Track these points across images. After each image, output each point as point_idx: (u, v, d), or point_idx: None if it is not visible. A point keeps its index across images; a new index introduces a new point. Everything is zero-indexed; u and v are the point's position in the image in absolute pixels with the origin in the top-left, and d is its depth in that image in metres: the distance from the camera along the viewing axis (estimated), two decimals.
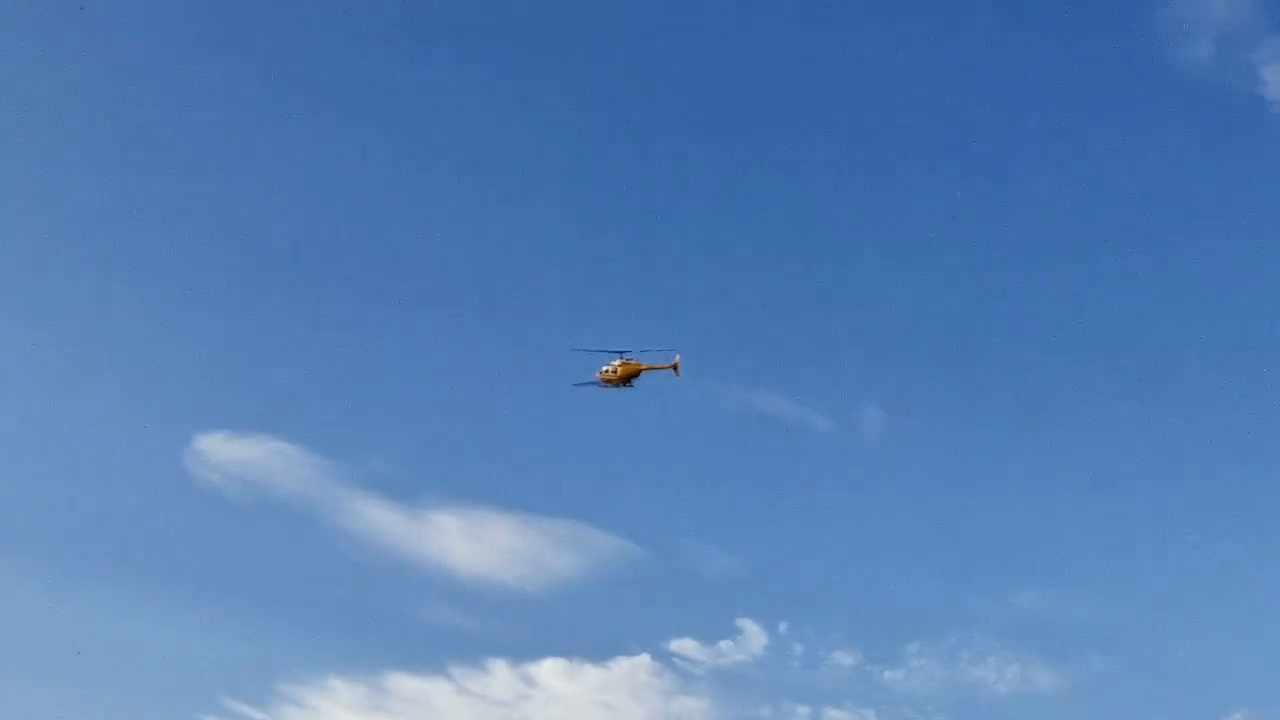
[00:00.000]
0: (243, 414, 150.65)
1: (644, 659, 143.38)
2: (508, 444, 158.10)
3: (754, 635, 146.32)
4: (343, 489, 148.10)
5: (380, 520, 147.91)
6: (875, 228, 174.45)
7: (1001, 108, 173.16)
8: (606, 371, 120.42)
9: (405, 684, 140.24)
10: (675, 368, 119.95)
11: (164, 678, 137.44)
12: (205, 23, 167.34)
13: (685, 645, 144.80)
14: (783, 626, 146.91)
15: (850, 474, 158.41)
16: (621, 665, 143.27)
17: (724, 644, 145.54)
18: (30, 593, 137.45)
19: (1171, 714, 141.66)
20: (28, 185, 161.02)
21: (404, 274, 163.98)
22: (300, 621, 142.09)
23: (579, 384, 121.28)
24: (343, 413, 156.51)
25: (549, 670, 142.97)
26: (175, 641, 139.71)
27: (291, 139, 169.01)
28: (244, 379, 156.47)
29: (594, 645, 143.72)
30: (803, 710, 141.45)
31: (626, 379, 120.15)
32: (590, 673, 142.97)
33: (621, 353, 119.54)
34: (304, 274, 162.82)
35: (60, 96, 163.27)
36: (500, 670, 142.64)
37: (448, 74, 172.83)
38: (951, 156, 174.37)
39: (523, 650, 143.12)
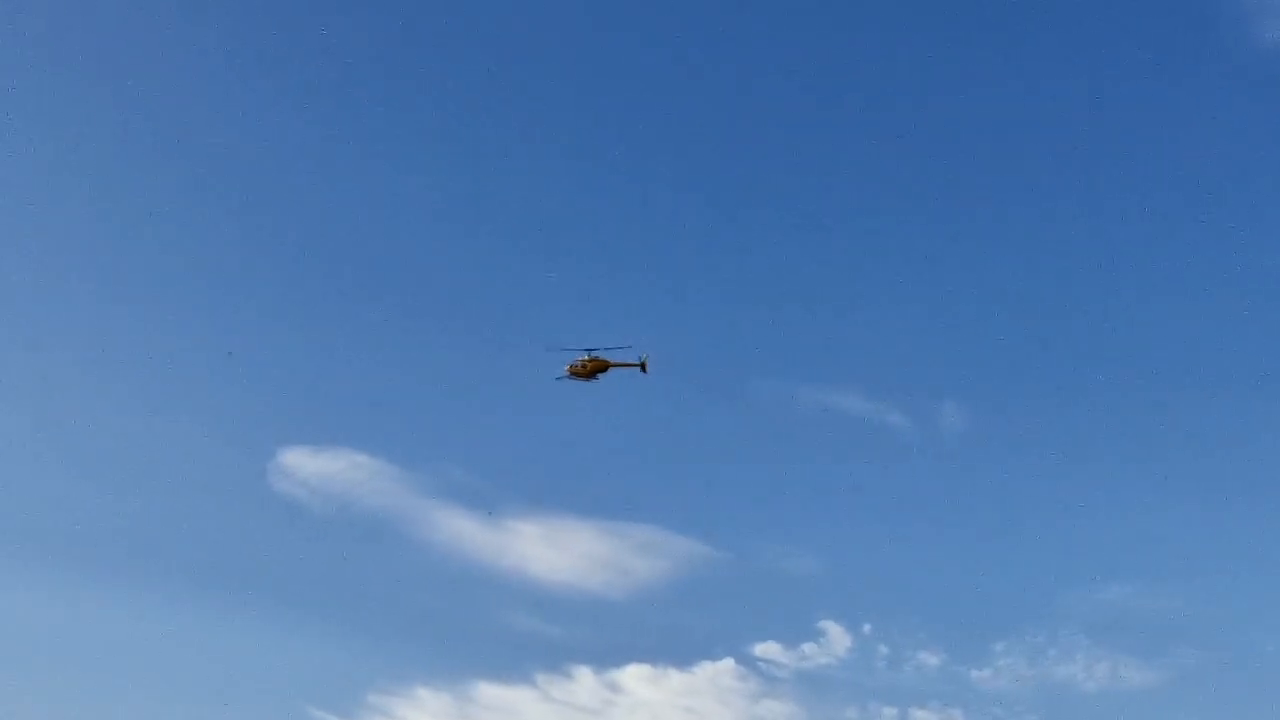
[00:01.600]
0: (324, 428, 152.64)
1: (728, 663, 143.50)
2: (585, 451, 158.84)
3: (837, 637, 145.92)
4: (423, 500, 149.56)
5: (461, 530, 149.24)
6: (948, 221, 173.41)
7: (1083, 93, 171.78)
8: (575, 365, 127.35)
9: (491, 693, 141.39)
10: (643, 366, 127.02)
11: (252, 690, 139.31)
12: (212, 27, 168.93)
13: (768, 648, 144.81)
14: (866, 627, 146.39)
15: (930, 471, 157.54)
16: (705, 670, 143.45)
17: (807, 646, 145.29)
18: (120, 607, 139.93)
19: (1266, 709, 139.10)
20: (109, 205, 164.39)
21: (473, 286, 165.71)
22: (386, 632, 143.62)
23: (558, 379, 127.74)
24: (421, 424, 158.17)
25: (633, 676, 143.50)
26: (263, 654, 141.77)
27: (342, 152, 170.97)
28: (324, 393, 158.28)
29: (677, 650, 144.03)
30: (889, 712, 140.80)
31: (593, 373, 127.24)
32: (674, 678, 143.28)
33: (590, 350, 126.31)
34: (377, 289, 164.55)
35: (122, 109, 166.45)
36: (585, 677, 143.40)
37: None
38: (1030, 143, 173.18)
39: (607, 657, 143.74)
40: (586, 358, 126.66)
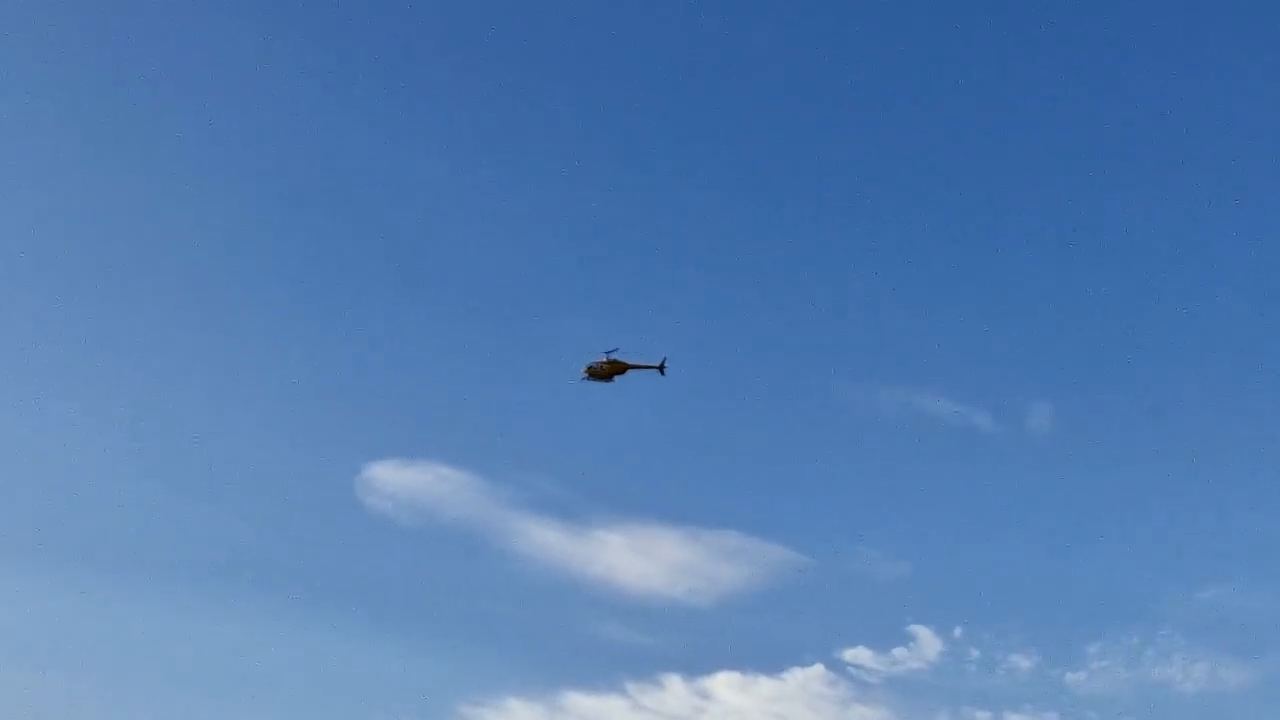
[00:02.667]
0: (410, 442, 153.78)
1: (817, 669, 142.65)
2: (667, 458, 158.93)
3: (927, 641, 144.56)
4: (509, 511, 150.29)
5: (548, 540, 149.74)
6: (1031, 221, 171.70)
7: (1175, 93, 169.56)
8: (594, 367, 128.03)
9: (582, 702, 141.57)
10: (661, 368, 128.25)
11: (345, 702, 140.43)
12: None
13: (858, 654, 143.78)
14: (957, 631, 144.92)
15: (1018, 472, 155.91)
16: (795, 676, 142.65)
17: (897, 651, 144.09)
18: (216, 621, 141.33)
19: None
20: (196, 222, 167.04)
21: (553, 299, 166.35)
22: (476, 644, 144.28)
23: (582, 379, 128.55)
24: (505, 436, 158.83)
25: (723, 683, 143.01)
26: (355, 667, 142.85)
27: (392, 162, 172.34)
28: (409, 408, 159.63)
29: (766, 657, 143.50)
30: (982, 716, 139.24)
31: (611, 375, 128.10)
32: (764, 684, 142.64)
33: (609, 352, 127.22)
34: (459, 304, 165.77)
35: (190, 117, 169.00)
36: (675, 685, 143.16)
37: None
38: (1118, 141, 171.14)
39: (696, 664, 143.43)
40: (605, 360, 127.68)
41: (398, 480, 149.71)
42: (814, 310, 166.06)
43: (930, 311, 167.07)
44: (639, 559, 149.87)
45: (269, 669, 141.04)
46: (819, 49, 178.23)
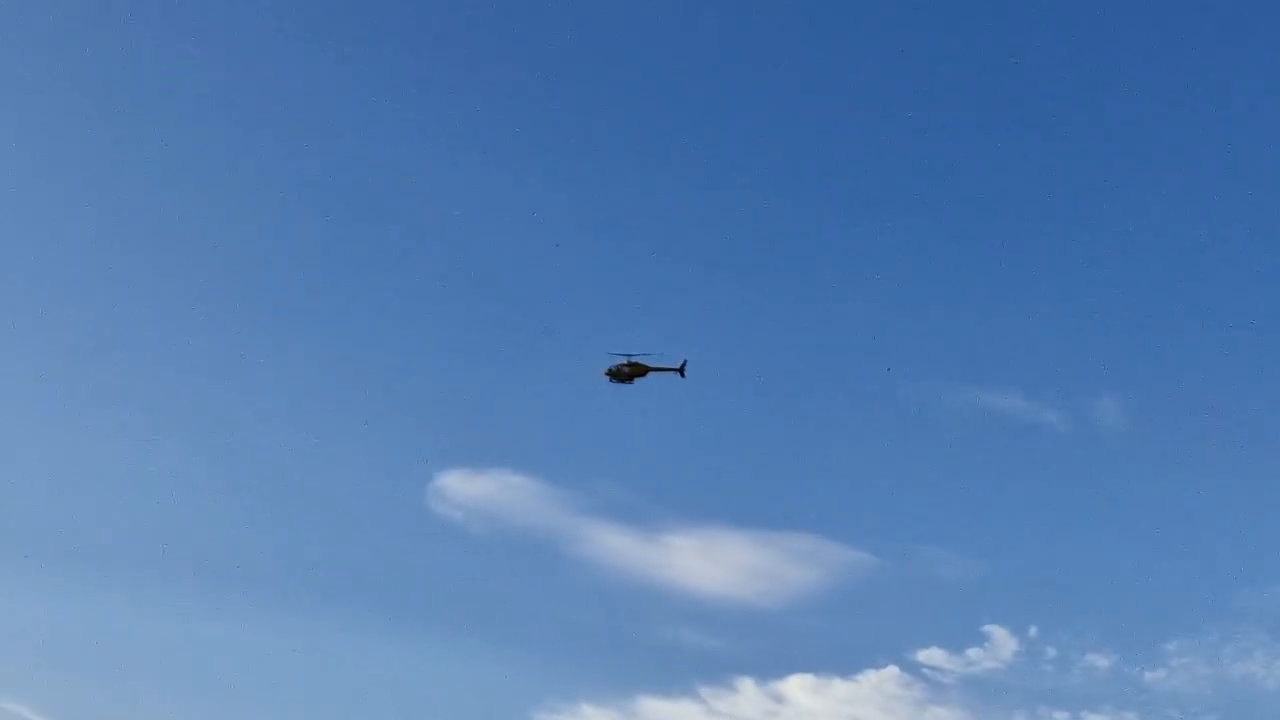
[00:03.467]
0: (478, 450, 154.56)
1: (891, 670, 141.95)
2: (734, 463, 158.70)
3: (1003, 641, 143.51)
4: (579, 517, 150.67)
5: (618, 546, 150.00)
6: (1095, 210, 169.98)
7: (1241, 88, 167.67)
8: (615, 369, 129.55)
9: (656, 707, 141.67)
10: (681, 370, 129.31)
11: (419, 711, 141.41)
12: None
13: (932, 655, 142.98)
14: (1032, 630, 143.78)
15: (1090, 468, 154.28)
16: (869, 678, 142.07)
17: (972, 651, 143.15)
18: (288, 632, 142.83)
19: None
20: (262, 237, 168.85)
21: (617, 301, 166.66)
22: (548, 650, 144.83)
23: (603, 378, 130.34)
24: (572, 443, 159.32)
25: (796, 686, 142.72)
26: (428, 675, 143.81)
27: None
28: (477, 416, 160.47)
29: (839, 659, 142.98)
30: (1060, 716, 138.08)
31: (632, 378, 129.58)
32: (838, 687, 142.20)
33: (630, 355, 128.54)
34: (522, 311, 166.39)
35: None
36: (748, 689, 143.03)
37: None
38: (1188, 133, 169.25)
39: (769, 667, 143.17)
40: (626, 362, 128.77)
41: (468, 489, 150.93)
42: (876, 310, 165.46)
43: (993, 308, 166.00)
44: (709, 563, 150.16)
45: (345, 679, 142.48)
46: (857, 42, 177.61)
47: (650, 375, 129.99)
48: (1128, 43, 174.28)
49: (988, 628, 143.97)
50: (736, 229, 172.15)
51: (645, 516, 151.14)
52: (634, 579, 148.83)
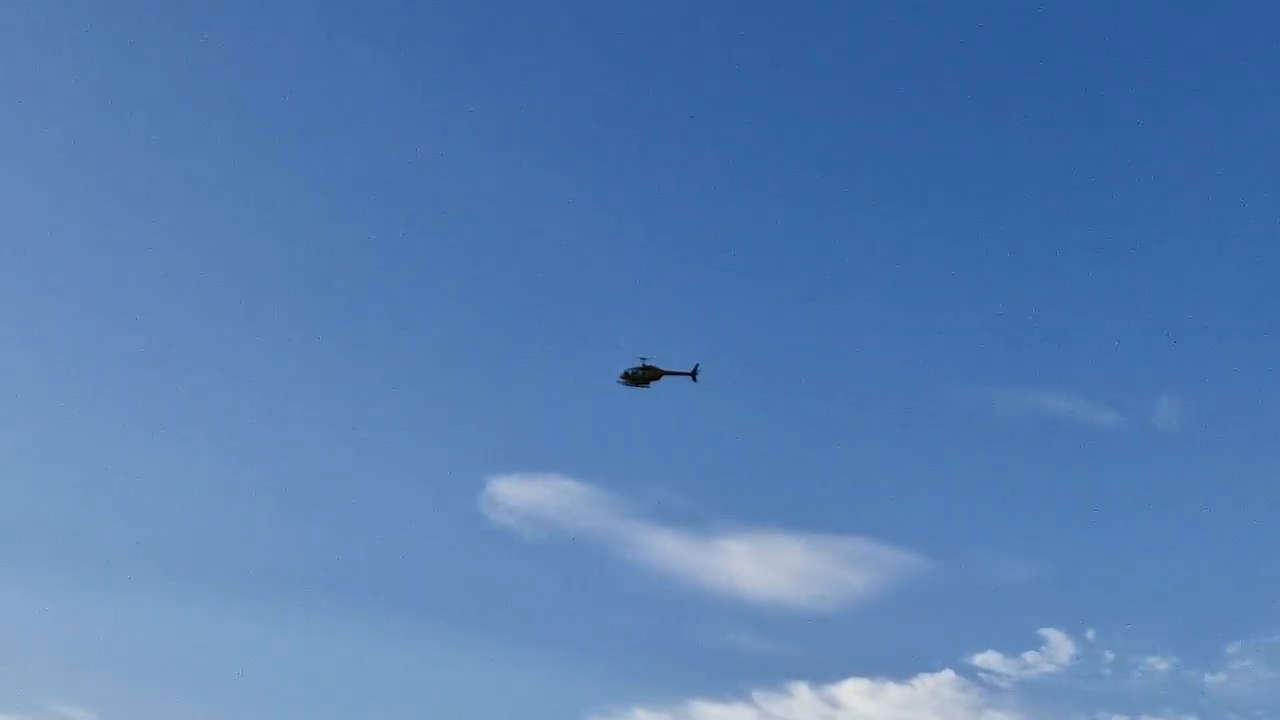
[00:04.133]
0: (530, 456, 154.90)
1: (947, 674, 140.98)
2: (786, 466, 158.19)
3: (1059, 644, 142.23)
4: (631, 522, 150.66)
5: (671, 550, 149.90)
6: (1147, 209, 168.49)
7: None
8: (631, 372, 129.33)
9: (709, 712, 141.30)
10: (693, 374, 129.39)
11: (473, 716, 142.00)
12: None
13: (988, 658, 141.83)
14: (1090, 633, 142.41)
15: (1147, 469, 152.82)
16: (925, 682, 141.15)
17: (1029, 655, 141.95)
18: (343, 640, 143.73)
19: None
20: (310, 251, 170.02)
21: (665, 305, 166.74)
22: (602, 655, 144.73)
23: (618, 381, 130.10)
24: (623, 446, 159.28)
25: (851, 691, 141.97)
26: (484, 680, 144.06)
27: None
28: (528, 422, 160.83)
29: (894, 663, 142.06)
30: None
31: (646, 381, 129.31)
32: (893, 691, 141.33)
33: (644, 359, 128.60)
34: (571, 314, 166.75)
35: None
36: (802, 693, 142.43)
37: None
38: (1240, 128, 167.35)
39: (823, 672, 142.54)
40: (641, 365, 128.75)
41: (520, 494, 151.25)
42: (928, 312, 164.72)
43: (1047, 308, 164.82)
44: (762, 566, 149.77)
45: (399, 685, 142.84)
46: (885, 42, 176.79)
47: (663, 379, 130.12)
48: (1182, 32, 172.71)
49: (1044, 631, 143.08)
50: (779, 231, 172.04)
51: (697, 520, 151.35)
52: (686, 583, 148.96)
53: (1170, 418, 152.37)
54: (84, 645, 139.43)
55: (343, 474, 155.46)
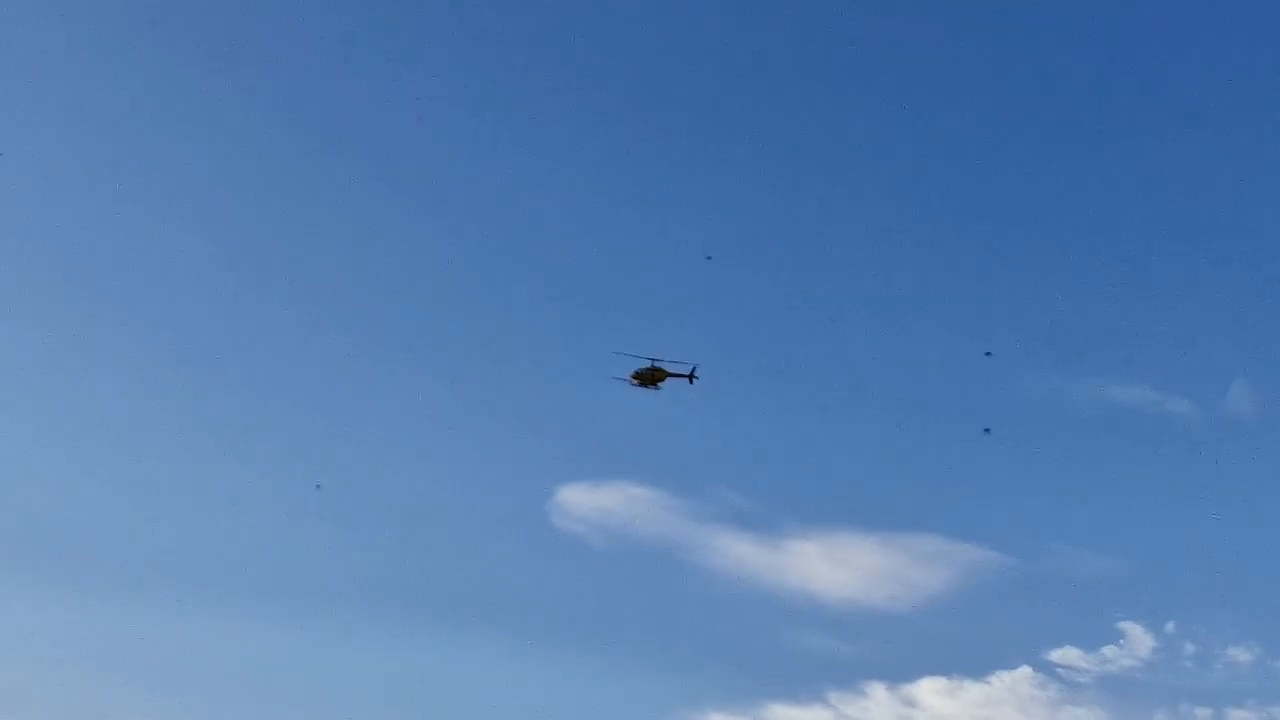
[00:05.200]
0: (596, 463, 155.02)
1: (1025, 671, 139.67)
2: (853, 464, 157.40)
3: (1138, 638, 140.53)
4: (700, 526, 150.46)
5: (741, 553, 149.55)
6: (1214, 197, 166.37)
7: None
8: (641, 372, 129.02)
9: (785, 714, 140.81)
10: (690, 376, 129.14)
11: None
12: None
13: (1067, 654, 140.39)
14: (1169, 626, 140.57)
15: (1222, 458, 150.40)
16: (1002, 679, 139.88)
17: (1107, 649, 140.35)
18: (418, 651, 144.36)
19: None
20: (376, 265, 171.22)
21: (727, 311, 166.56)
22: (676, 660, 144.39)
23: (616, 378, 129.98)
24: (689, 452, 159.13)
25: (928, 690, 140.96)
26: (560, 688, 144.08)
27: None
28: (594, 429, 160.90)
29: (971, 661, 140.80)
30: (1203, 713, 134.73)
31: (655, 382, 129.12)
32: (971, 689, 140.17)
33: (653, 360, 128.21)
34: (634, 323, 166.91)
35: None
36: (879, 693, 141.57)
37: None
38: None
39: (899, 671, 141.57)
40: (650, 365, 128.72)
41: (589, 502, 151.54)
42: (997, 304, 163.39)
43: (1113, 298, 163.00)
44: (834, 567, 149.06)
45: (474, 695, 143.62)
46: (907, 35, 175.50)
47: (667, 380, 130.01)
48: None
49: (1123, 624, 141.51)
50: (844, 229, 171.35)
51: (766, 522, 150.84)
52: (758, 585, 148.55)
53: (1243, 405, 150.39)
54: (164, 661, 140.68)
55: (414, 486, 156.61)
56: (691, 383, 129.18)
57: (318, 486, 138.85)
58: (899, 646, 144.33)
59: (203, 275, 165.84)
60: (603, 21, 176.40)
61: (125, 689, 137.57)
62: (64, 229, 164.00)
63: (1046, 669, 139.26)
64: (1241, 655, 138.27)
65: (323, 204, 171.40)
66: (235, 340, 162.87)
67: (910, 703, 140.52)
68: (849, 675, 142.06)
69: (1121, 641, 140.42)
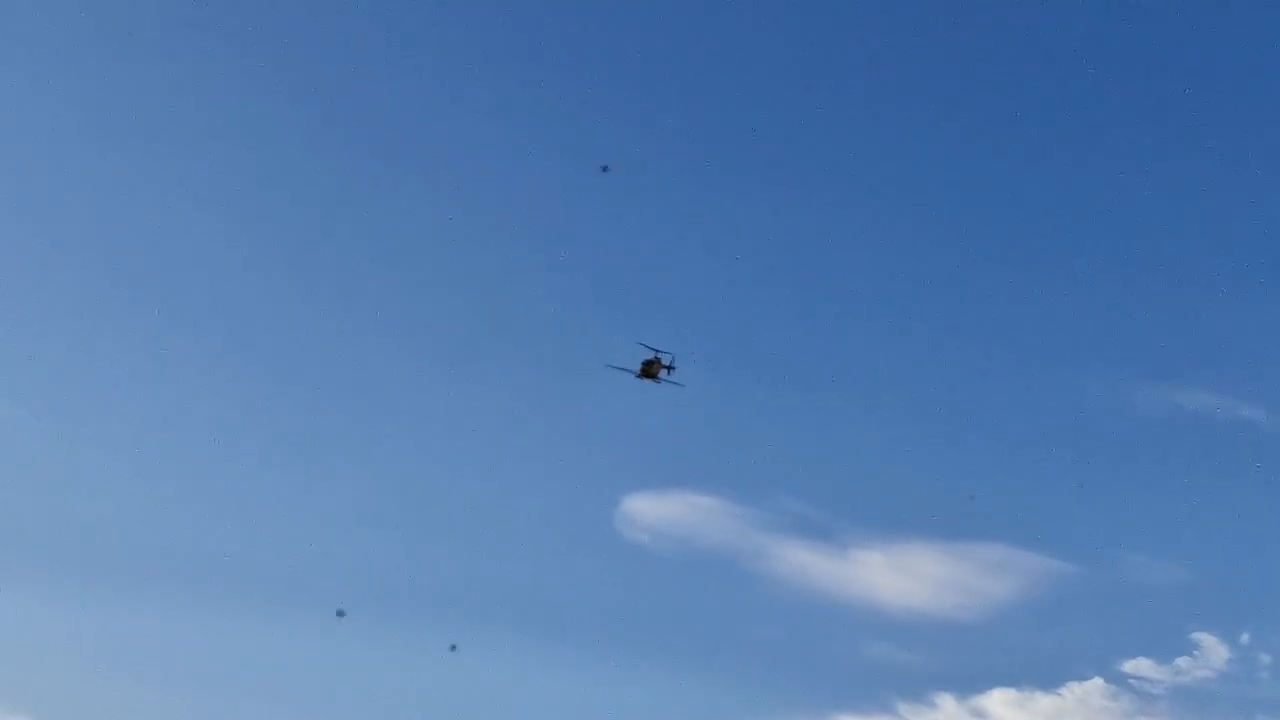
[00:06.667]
0: (660, 472, 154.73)
1: (1096, 683, 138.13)
2: (918, 473, 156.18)
3: (1213, 649, 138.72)
4: (764, 535, 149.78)
5: (805, 562, 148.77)
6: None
7: None
8: (648, 364, 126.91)
9: None
10: (669, 366, 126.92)
11: None
12: None
13: (1139, 665, 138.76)
14: (1245, 637, 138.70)
15: None
16: (1073, 691, 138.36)
17: (1181, 660, 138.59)
18: (482, 661, 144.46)
19: None
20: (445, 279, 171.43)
21: (796, 326, 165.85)
22: (742, 669, 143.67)
23: (617, 367, 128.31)
24: (754, 460, 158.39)
25: (998, 701, 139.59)
26: (623, 699, 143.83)
27: None
28: (658, 439, 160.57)
29: (1041, 672, 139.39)
30: None
31: (655, 374, 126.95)
32: (1041, 701, 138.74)
33: (657, 351, 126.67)
34: (695, 336, 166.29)
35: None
36: (948, 704, 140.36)
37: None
38: None
39: (968, 682, 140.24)
40: (655, 357, 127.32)
41: (654, 512, 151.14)
42: (1063, 308, 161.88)
43: (1182, 302, 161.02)
44: (900, 576, 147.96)
45: (541, 706, 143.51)
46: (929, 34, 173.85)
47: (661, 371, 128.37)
48: None
49: (1197, 635, 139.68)
50: (911, 238, 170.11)
51: (831, 531, 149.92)
52: (824, 595, 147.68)
53: None
54: (195, 666, 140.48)
55: (479, 496, 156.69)
56: (669, 373, 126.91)
57: (339, 613, 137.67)
58: (968, 657, 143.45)
59: (252, 283, 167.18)
60: (597, 19, 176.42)
61: (167, 691, 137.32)
62: (69, 227, 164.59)
63: (1119, 680, 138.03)
64: None
65: (378, 213, 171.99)
66: (285, 348, 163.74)
67: (980, 714, 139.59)
68: (917, 686, 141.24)
69: (1195, 652, 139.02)
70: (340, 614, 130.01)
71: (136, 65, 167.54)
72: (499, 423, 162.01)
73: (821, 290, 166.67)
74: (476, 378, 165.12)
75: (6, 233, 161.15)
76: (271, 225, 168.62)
